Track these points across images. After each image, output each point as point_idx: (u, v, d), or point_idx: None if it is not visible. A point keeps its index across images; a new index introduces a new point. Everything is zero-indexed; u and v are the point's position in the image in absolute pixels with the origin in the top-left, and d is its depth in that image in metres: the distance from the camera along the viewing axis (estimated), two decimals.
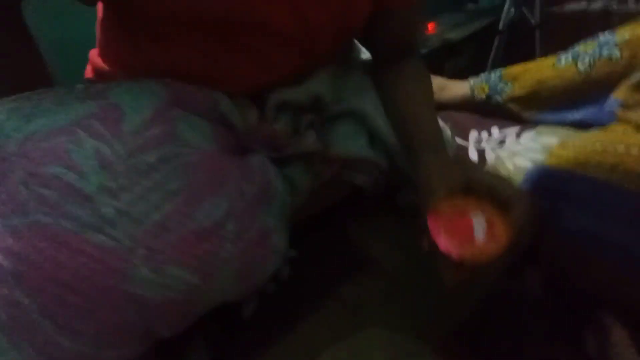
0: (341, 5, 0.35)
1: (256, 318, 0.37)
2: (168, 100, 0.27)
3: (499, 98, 0.57)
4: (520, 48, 1.48)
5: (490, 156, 0.51)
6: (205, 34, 0.31)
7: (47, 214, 0.19)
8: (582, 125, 0.48)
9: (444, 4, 1.88)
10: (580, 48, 0.49)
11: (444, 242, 0.24)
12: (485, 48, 1.56)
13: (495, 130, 0.56)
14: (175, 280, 0.23)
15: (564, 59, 0.50)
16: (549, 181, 0.33)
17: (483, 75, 0.61)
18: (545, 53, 1.49)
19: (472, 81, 0.63)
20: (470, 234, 0.25)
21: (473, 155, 0.52)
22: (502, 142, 0.53)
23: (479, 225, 0.25)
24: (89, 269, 0.20)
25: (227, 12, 0.30)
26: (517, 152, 0.49)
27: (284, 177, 0.37)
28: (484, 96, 0.59)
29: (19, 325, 0.19)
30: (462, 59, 1.67)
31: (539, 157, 0.47)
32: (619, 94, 0.41)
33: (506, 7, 1.39)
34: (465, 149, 0.54)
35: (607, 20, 1.36)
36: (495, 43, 1.47)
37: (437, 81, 0.69)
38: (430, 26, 1.67)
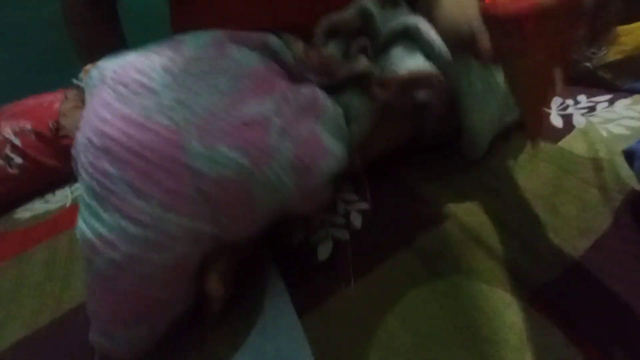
0: None
1: (330, 262, 0.37)
2: (224, 37, 0.33)
3: (589, 64, 0.53)
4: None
5: (578, 121, 0.47)
6: None
7: (125, 104, 0.27)
8: None
9: None
10: None
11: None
12: None
13: (582, 98, 0.51)
14: (225, 159, 0.27)
15: None
16: None
17: None
18: None
19: None
20: None
21: (556, 122, 0.48)
22: (592, 110, 0.49)
23: None
24: (154, 141, 0.26)
25: None
26: (612, 120, 0.45)
27: (339, 103, 0.38)
28: None
29: (107, 192, 0.26)
30: None
31: (638, 124, 0.43)
32: None
33: None
34: (546, 115, 0.50)
35: None
36: None
37: None
38: None
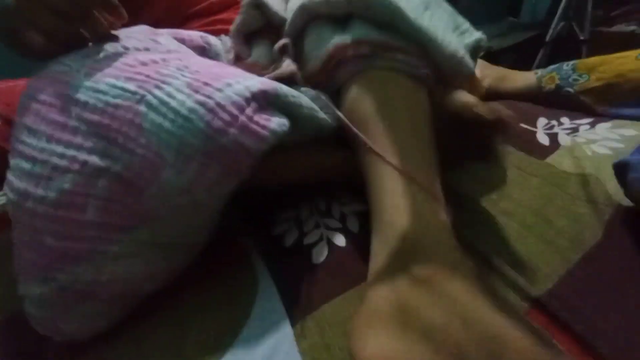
0: None
1: (325, 266, 0.35)
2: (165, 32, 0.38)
3: (570, 89, 0.56)
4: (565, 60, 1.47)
5: (564, 140, 0.49)
6: None
7: None
8: None
9: (482, 15, 1.88)
10: None
11: None
12: (525, 59, 1.55)
13: (565, 120, 0.54)
14: (112, 88, 0.28)
15: None
16: None
17: (552, 66, 0.60)
18: None
19: (539, 72, 0.61)
20: None
21: (543, 140, 0.51)
22: (575, 130, 0.51)
23: None
24: (47, 85, 0.29)
25: None
26: (594, 140, 0.48)
27: None
28: (553, 86, 0.58)
29: (13, 140, 0.29)
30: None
31: (620, 145, 0.46)
32: None
33: (556, 19, 1.37)
34: (533, 133, 0.52)
35: None
36: (540, 53, 1.46)
37: (498, 71, 0.67)
38: None
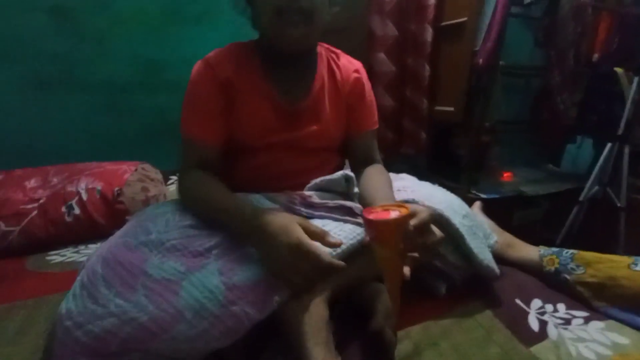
0: (342, 128, 0.67)
1: None
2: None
3: (568, 277, 0.59)
4: (601, 225, 1.44)
5: (552, 331, 0.51)
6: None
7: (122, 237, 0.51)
8: None
9: (522, 159, 1.98)
10: None
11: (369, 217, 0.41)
12: (561, 210, 1.56)
13: (561, 307, 0.56)
14: (169, 267, 0.44)
15: None
16: None
17: (554, 249, 0.64)
18: (629, 239, 1.42)
19: (541, 250, 0.66)
20: (386, 215, 0.42)
21: (533, 324, 0.53)
22: (568, 323, 0.53)
23: (393, 213, 0.42)
24: (131, 257, 0.46)
25: (293, 141, 0.61)
26: (583, 340, 0.49)
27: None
28: (552, 269, 0.62)
29: (89, 283, 0.43)
30: (532, 214, 1.67)
31: (607, 352, 0.46)
32: None
33: (590, 181, 1.42)
34: (525, 313, 0.55)
35: None
36: (574, 212, 1.47)
37: (506, 236, 0.73)
38: (507, 175, 1.76)
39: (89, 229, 0.81)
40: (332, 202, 0.56)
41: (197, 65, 0.59)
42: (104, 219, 0.81)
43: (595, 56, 1.59)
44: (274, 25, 0.53)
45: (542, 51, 1.66)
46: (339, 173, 0.59)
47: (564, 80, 1.60)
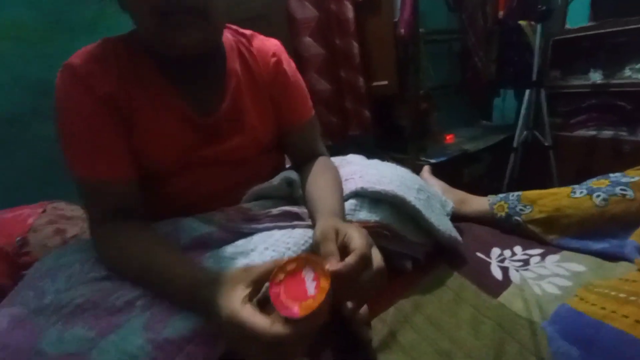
0: (271, 127, 0.56)
1: None
2: None
3: (518, 218, 0.60)
4: (535, 165, 1.57)
5: (514, 276, 0.51)
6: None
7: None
8: (606, 256, 0.49)
9: (460, 119, 2.11)
10: (592, 183, 0.54)
11: (285, 309, 0.28)
12: (500, 160, 1.68)
13: (518, 249, 0.57)
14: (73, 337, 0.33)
15: (579, 191, 0.54)
16: (578, 328, 0.32)
17: (502, 195, 0.65)
18: (561, 173, 1.57)
19: (490, 199, 0.67)
20: (303, 290, 0.29)
21: (496, 273, 0.52)
22: (526, 263, 0.53)
23: (309, 279, 0.30)
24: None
25: (216, 157, 0.51)
26: (543, 276, 0.50)
27: None
28: (503, 214, 0.62)
29: None
30: (479, 168, 1.78)
31: (568, 283, 0.47)
32: (636, 237, 0.43)
33: (519, 128, 1.53)
34: (487, 264, 0.55)
35: (617, 147, 1.45)
36: (511, 159, 1.58)
37: (458, 194, 0.74)
38: (449, 137, 1.85)
39: None
40: (275, 210, 0.49)
41: (61, 78, 0.43)
42: (7, 279, 0.66)
43: (501, 13, 1.71)
44: (157, 31, 0.41)
45: (455, 15, 1.74)
46: (279, 177, 0.53)
47: (478, 40, 1.70)
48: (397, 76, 1.47)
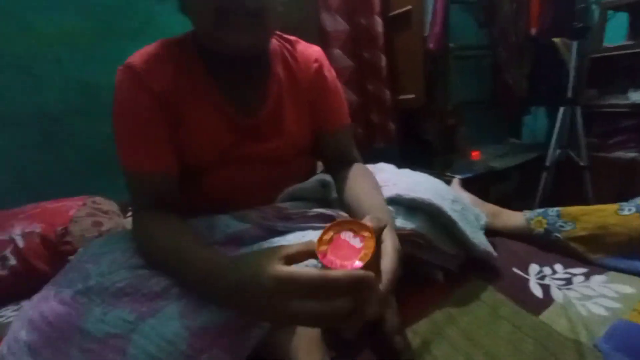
0: (308, 131, 0.57)
1: None
2: None
3: (559, 235, 0.57)
4: (568, 185, 1.50)
5: (557, 294, 0.48)
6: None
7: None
8: None
9: (488, 135, 2.05)
10: None
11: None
12: (529, 179, 1.62)
13: (559, 267, 0.54)
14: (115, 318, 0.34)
15: (627, 209, 0.51)
16: (637, 341, 0.30)
17: (540, 210, 0.63)
18: (597, 194, 1.49)
19: (527, 214, 0.64)
20: (351, 248, 0.29)
21: (536, 290, 0.50)
22: (569, 282, 0.50)
23: (350, 238, 0.30)
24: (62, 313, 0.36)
25: (254, 156, 0.52)
26: (589, 297, 0.47)
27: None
28: (542, 230, 0.60)
29: None
30: (506, 186, 1.72)
31: (616, 305, 0.44)
32: None
33: (552, 147, 1.48)
34: (525, 281, 0.52)
35: None
36: (543, 177, 1.52)
37: (491, 208, 0.71)
38: (475, 154, 1.81)
39: (32, 280, 0.68)
40: (310, 212, 0.49)
41: (121, 76, 0.47)
42: (49, 265, 0.69)
43: (533, 30, 1.68)
44: (217, 31, 0.43)
45: (485, 31, 1.73)
46: (314, 179, 0.53)
47: (509, 56, 1.68)
48: (424, 90, 1.47)
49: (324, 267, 0.28)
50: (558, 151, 1.47)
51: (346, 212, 0.49)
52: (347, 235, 0.30)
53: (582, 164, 1.42)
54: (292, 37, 0.60)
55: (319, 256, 0.29)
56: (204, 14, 0.42)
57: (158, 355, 0.31)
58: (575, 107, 1.41)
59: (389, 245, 0.32)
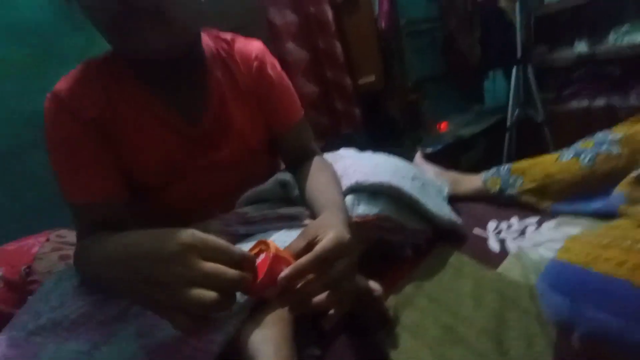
0: (261, 131, 0.57)
1: None
2: None
3: (512, 191, 0.60)
4: (531, 142, 1.56)
5: (512, 246, 0.51)
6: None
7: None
8: (600, 216, 0.48)
9: (452, 105, 2.10)
10: (580, 145, 0.54)
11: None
12: (497, 142, 1.67)
13: (515, 220, 0.57)
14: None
15: (566, 155, 0.55)
16: (564, 278, 0.33)
17: (494, 170, 0.65)
18: (557, 147, 1.55)
19: (484, 175, 0.67)
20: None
21: (494, 246, 0.52)
22: (522, 233, 0.53)
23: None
24: None
25: (208, 164, 0.52)
26: (539, 243, 0.50)
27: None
28: (497, 189, 0.63)
29: None
30: (476, 153, 1.77)
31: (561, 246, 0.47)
32: (621, 188, 0.43)
33: (510, 107, 1.53)
34: (485, 239, 0.55)
35: (612, 115, 1.44)
36: (506, 139, 1.58)
37: (451, 176, 0.74)
38: (443, 125, 1.85)
39: (3, 323, 0.66)
40: (271, 213, 0.49)
41: (48, 105, 0.45)
42: (17, 307, 0.67)
43: None
44: (119, 40, 0.41)
45: (434, 3, 1.76)
46: (273, 179, 0.53)
47: (460, 25, 1.72)
48: (383, 71, 1.48)
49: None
50: (517, 111, 1.53)
51: (307, 207, 0.50)
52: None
53: (539, 120, 1.48)
54: (228, 35, 0.58)
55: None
56: (102, 27, 0.40)
57: None
58: (527, 66, 1.46)
59: (327, 236, 0.33)
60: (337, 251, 0.32)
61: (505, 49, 1.58)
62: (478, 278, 0.47)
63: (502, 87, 2.13)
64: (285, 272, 0.30)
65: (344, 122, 1.60)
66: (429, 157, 0.85)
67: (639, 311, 0.25)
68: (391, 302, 0.47)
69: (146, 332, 0.34)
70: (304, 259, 0.31)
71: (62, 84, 0.46)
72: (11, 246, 0.78)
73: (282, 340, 0.36)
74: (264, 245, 0.33)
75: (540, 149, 1.51)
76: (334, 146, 0.94)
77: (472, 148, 1.75)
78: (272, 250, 0.31)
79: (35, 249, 0.75)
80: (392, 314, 0.44)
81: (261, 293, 0.31)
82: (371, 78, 1.52)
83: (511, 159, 1.61)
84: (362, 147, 0.77)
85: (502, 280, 0.46)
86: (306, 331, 0.43)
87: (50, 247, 0.77)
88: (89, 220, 0.46)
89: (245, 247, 0.43)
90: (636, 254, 0.28)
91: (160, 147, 0.49)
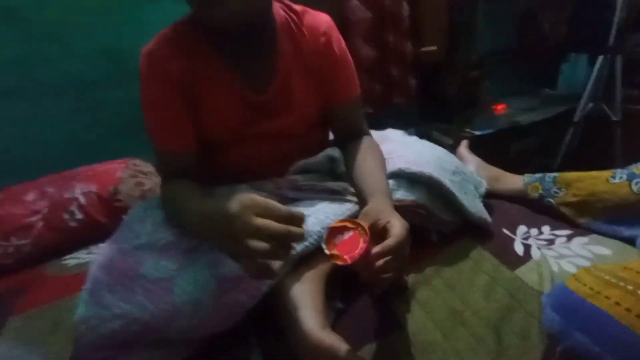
0: (318, 104, 0.61)
1: None
2: None
3: (551, 200, 0.61)
4: (596, 143, 1.43)
5: (535, 253, 0.54)
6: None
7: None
8: (633, 242, 0.49)
9: (515, 87, 1.91)
10: (635, 169, 0.52)
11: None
12: (556, 136, 1.55)
13: (546, 229, 0.59)
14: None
15: (619, 176, 0.54)
16: (565, 302, 0.37)
17: (539, 176, 0.65)
18: (626, 152, 1.41)
19: (526, 179, 0.67)
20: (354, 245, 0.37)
21: (518, 249, 0.56)
22: (551, 242, 0.55)
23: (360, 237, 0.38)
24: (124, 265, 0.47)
25: (267, 132, 0.58)
26: (565, 256, 0.52)
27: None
28: (537, 195, 0.63)
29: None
30: (530, 142, 1.66)
31: (586, 264, 0.49)
32: None
33: (583, 100, 1.39)
34: (511, 240, 0.58)
35: None
36: (569, 134, 1.46)
37: (493, 171, 0.74)
38: (500, 107, 1.73)
39: (95, 230, 0.84)
40: (319, 185, 0.56)
41: (142, 62, 0.52)
42: (106, 218, 0.84)
43: None
44: (199, 5, 0.46)
45: None
46: (323, 154, 0.58)
47: None
48: (447, 41, 1.39)
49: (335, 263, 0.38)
50: (590, 104, 1.38)
51: (352, 185, 0.55)
52: (346, 235, 0.39)
53: (614, 118, 1.34)
54: (299, 7, 0.60)
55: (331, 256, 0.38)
56: None
57: (195, 295, 0.42)
58: (616, 55, 1.28)
59: (396, 224, 0.40)
60: (406, 238, 0.40)
61: (597, 32, 1.38)
62: (494, 275, 0.52)
63: (582, 74, 1.89)
64: (377, 252, 0.37)
65: (397, 91, 1.55)
66: (477, 140, 0.84)
67: (617, 344, 0.29)
68: (411, 278, 0.54)
69: (215, 265, 0.45)
70: (390, 243, 0.38)
71: (153, 46, 0.53)
72: (100, 167, 0.94)
73: (317, 295, 0.45)
74: (352, 224, 0.39)
75: (605, 153, 1.39)
76: (382, 118, 0.95)
77: (526, 136, 1.64)
78: (369, 233, 0.38)
79: (118, 173, 0.90)
80: (409, 287, 0.51)
81: (355, 267, 0.37)
82: (434, 47, 1.43)
83: (569, 156, 1.50)
84: (410, 121, 0.77)
85: (516, 282, 0.50)
86: (334, 287, 0.52)
87: (129, 173, 0.92)
88: (169, 165, 0.56)
89: (303, 207, 0.52)
90: (633, 296, 0.31)
91: (226, 112, 0.56)
